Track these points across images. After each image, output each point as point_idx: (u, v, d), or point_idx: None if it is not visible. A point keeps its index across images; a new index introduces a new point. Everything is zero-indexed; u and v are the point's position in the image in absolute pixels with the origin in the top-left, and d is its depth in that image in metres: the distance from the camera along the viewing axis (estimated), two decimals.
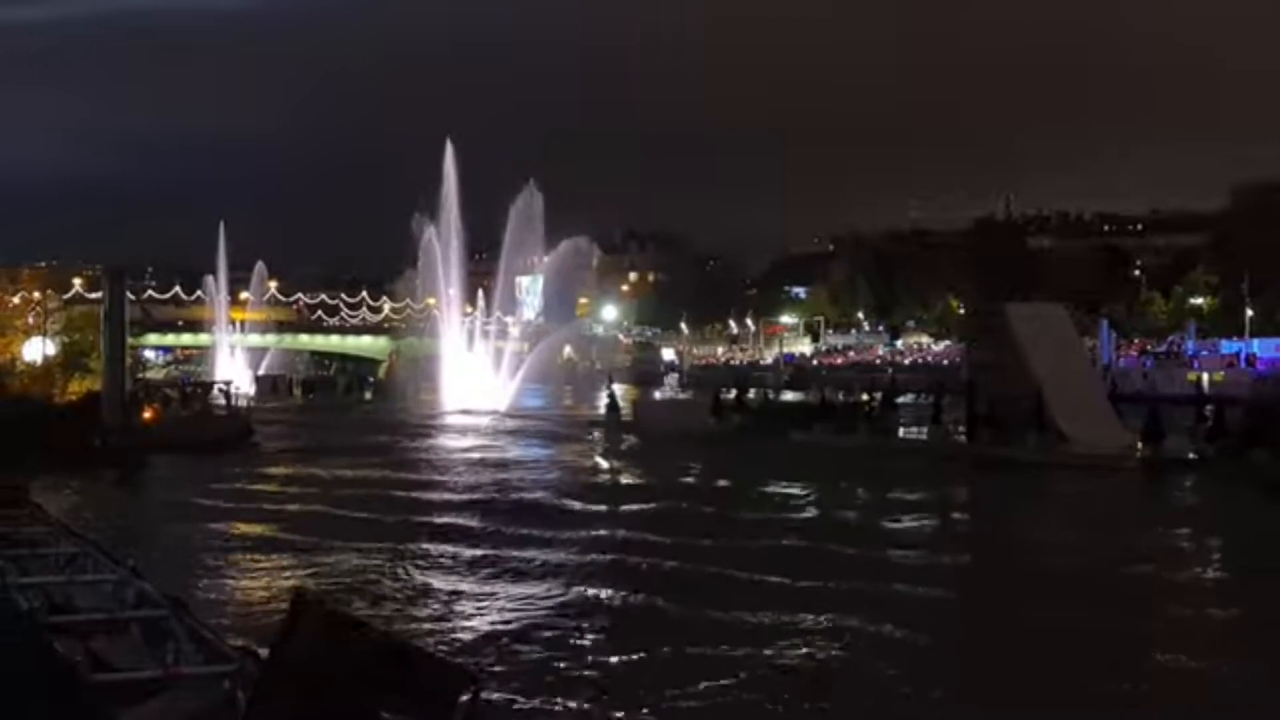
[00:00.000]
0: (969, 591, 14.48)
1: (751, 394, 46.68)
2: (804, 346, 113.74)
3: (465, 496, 23.54)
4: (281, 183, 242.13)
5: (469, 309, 68.67)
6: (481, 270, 72.49)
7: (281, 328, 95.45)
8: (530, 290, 76.63)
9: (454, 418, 49.25)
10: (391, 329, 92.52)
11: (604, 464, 31.43)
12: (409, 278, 67.55)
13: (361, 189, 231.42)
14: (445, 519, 20.59)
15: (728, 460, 30.31)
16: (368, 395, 69.86)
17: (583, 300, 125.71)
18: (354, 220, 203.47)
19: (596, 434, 39.64)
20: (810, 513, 21.32)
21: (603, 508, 21.55)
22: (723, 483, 25.82)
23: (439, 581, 15.15)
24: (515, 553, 17.00)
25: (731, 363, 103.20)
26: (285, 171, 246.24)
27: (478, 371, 60.72)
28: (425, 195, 60.66)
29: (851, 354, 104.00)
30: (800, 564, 15.53)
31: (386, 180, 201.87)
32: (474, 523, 20.05)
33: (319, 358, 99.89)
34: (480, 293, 70.76)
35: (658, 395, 67.18)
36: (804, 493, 24.00)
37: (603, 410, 44.04)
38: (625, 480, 27.20)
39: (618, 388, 48.81)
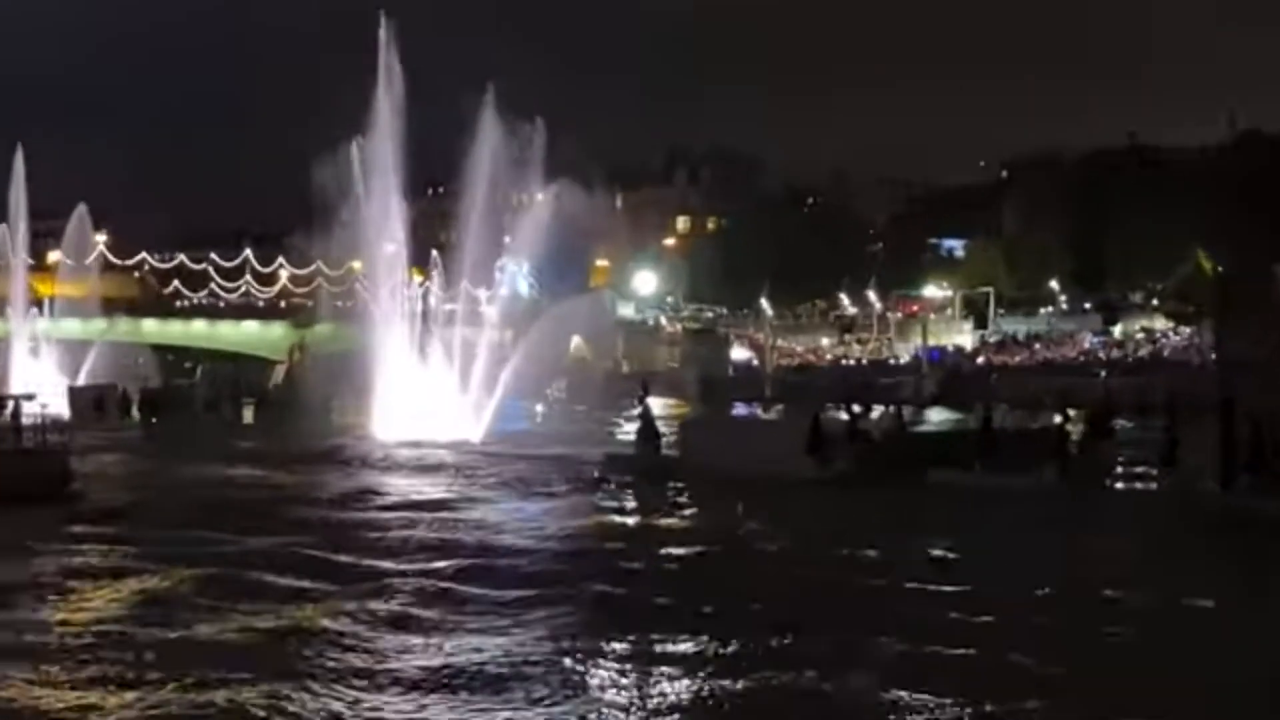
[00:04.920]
0: None
1: (875, 414, 46.73)
2: (961, 336, 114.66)
3: (398, 604, 22.85)
4: (126, 95, 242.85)
5: (418, 276, 69.12)
6: (439, 213, 73.56)
7: (114, 308, 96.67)
8: (517, 249, 75.96)
9: (396, 454, 49.11)
10: (291, 310, 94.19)
11: (625, 534, 31.15)
12: (320, 227, 66.81)
13: (249, 101, 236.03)
14: (366, 640, 20.13)
15: (828, 525, 30.45)
16: (249, 417, 69.90)
17: (601, 263, 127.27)
18: (235, 148, 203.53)
19: (618, 479, 40.23)
20: (940, 634, 19.95)
21: (624, 648, 19.75)
22: (817, 570, 25.25)
23: None
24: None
25: (844, 362, 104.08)
26: (131, 80, 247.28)
27: (434, 379, 60.63)
28: (348, 100, 62.80)
29: (1039, 348, 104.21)
30: None
31: (288, 85, 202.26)
32: (400, 645, 19.86)
33: (174, 357, 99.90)
34: (436, 253, 70.81)
35: (721, 416, 67.09)
36: (946, 588, 23.31)
37: (631, 439, 44.81)
38: (659, 572, 26.16)
39: (655, 402, 48.72)
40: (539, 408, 62.72)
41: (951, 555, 25.80)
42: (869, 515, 31.99)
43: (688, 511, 35.10)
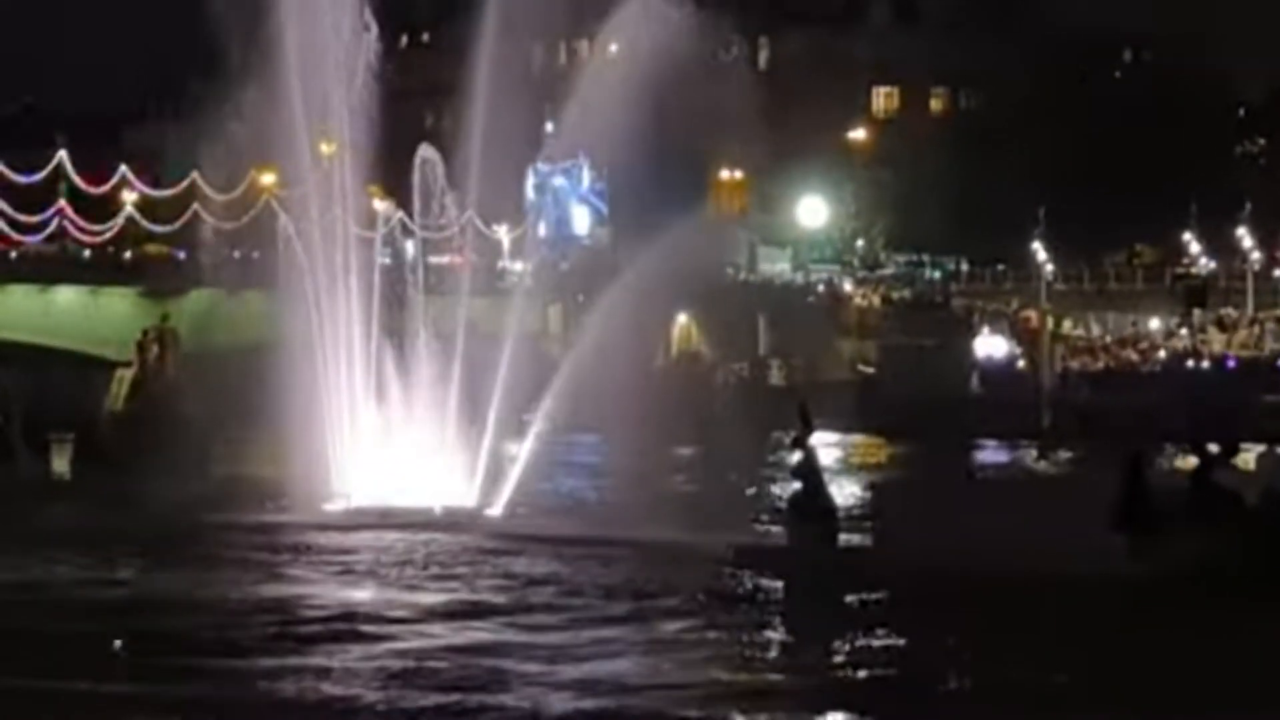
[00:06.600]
0: None
1: (1250, 460, 43.78)
2: None
3: None
4: None
5: (383, 202, 65.87)
6: (422, 81, 70.05)
7: None
8: (568, 146, 69.63)
9: (338, 542, 47.46)
10: (144, 266, 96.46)
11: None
12: (194, 106, 63.42)
13: None
14: None
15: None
16: (64, 467, 67.72)
17: (730, 174, 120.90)
18: None
19: (755, 593, 38.31)
20: None
21: None
22: None
23: None
24: None
25: (1191, 364, 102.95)
26: None
27: (415, 398, 56.97)
28: None
29: None
30: None
31: None
32: None
33: None
34: (433, 153, 61.88)
35: (956, 468, 65.75)
36: None
37: (780, 513, 44.20)
38: None
39: (828, 440, 50.98)
40: (517, 448, 56.75)
41: None
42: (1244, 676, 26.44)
43: (894, 672, 29.80)
